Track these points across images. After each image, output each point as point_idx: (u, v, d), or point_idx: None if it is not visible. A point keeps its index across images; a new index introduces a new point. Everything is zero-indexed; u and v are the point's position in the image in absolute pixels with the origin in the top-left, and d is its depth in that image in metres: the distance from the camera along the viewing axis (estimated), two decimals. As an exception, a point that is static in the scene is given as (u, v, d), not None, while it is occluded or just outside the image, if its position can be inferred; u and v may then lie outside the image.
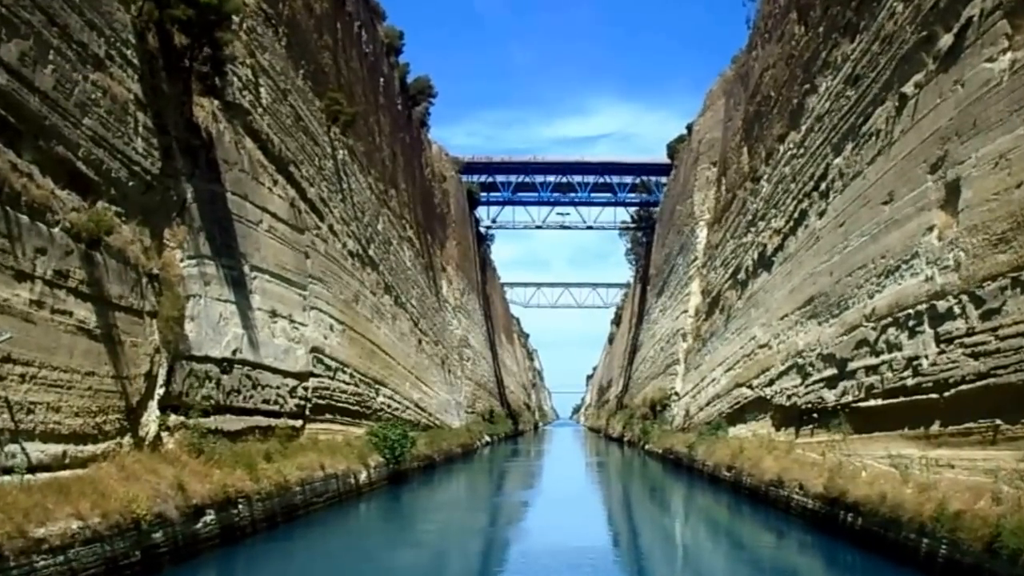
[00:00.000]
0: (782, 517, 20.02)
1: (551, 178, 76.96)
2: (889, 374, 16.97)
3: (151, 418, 14.64)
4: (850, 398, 19.00)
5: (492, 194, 77.78)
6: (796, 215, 27.19)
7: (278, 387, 20.75)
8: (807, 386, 22.47)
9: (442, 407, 46.17)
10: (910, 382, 15.94)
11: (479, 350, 70.31)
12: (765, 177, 32.97)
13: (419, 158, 51.92)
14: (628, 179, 76.91)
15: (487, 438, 60.53)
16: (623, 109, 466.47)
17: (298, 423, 21.97)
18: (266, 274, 21.27)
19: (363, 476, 23.75)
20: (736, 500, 24.51)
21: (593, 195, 77.77)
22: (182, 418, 15.44)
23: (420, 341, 42.38)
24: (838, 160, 23.75)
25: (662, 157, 68.62)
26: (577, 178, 76.99)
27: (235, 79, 21.72)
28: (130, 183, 15.52)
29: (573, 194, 77.42)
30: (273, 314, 21.30)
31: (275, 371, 20.78)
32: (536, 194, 77.40)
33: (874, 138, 21.05)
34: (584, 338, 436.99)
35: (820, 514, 17.44)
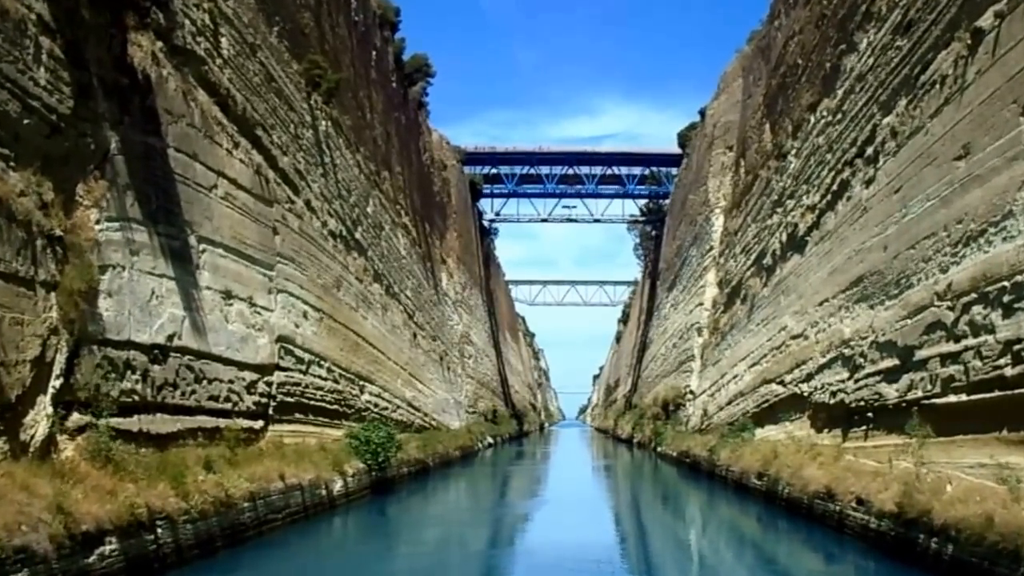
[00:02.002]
0: (832, 536, 16.69)
1: (557, 170, 73.84)
2: (977, 363, 13.63)
3: (39, 417, 11.37)
4: (920, 393, 15.65)
5: (496, 186, 74.59)
6: (835, 187, 23.94)
7: (231, 381, 17.46)
8: (857, 380, 19.12)
9: (439, 407, 42.87)
10: (1010, 372, 12.61)
11: (481, 347, 67.03)
12: (793, 152, 29.81)
13: (416, 142, 48.67)
14: (637, 170, 73.79)
15: (489, 439, 57.25)
16: (629, 109, 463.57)
17: (257, 424, 18.66)
18: (219, 247, 18.01)
19: (338, 486, 20.45)
20: (770, 513, 21.19)
21: (600, 187, 74.62)
22: (89, 417, 12.18)
23: (415, 335, 39.11)
24: (888, 119, 20.49)
25: (672, 147, 65.42)
26: (584, 169, 73.88)
27: (187, 21, 18.50)
28: (25, 121, 12.28)
29: (580, 186, 74.34)
30: (228, 295, 18.03)
31: (228, 362, 17.49)
32: (541, 186, 74.25)
33: (938, 86, 17.77)
34: (590, 338, 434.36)
35: (888, 536, 14.10)
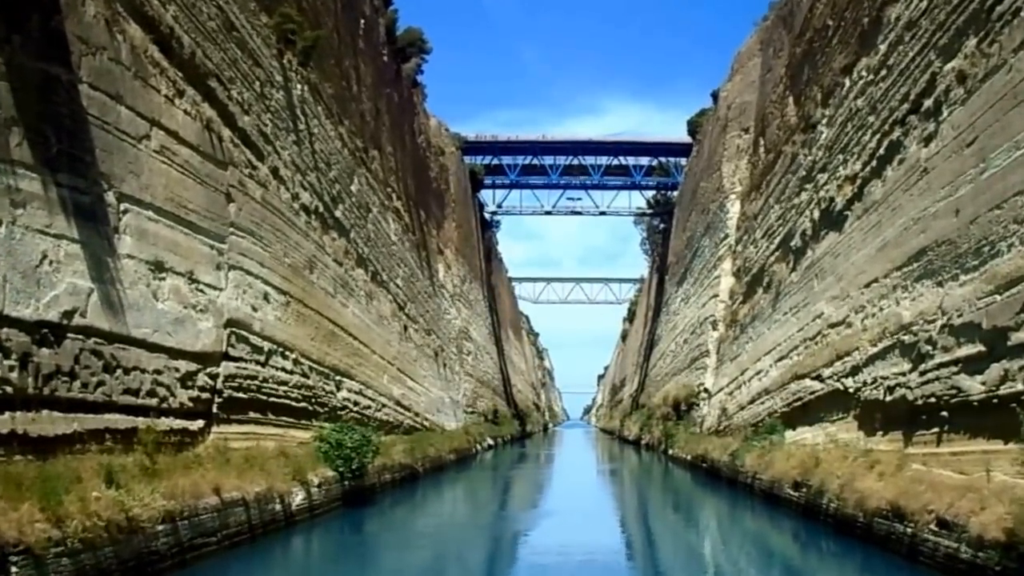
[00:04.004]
0: (902, 566, 13.38)
1: (561, 160, 70.79)
2: (1112, 345, 10.38)
3: None
4: (1020, 386, 12.35)
5: (497, 177, 71.50)
6: (881, 152, 20.72)
7: (158, 372, 14.20)
8: (923, 373, 15.81)
9: (433, 406, 39.59)
10: None
11: (482, 344, 63.76)
12: (824, 122, 26.66)
13: (411, 123, 45.45)
14: (644, 161, 70.77)
15: (489, 441, 54.00)
16: (634, 109, 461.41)
17: (195, 425, 15.38)
18: (149, 209, 14.78)
19: (298, 498, 17.19)
20: (811, 531, 17.88)
21: (606, 179, 71.58)
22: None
23: (406, 328, 35.85)
24: (953, 64, 17.26)
25: (682, 136, 62.30)
26: (589, 160, 70.91)
27: (116, -58, 15.30)
28: None
29: (585, 178, 71.32)
30: (158, 267, 14.79)
31: (155, 348, 14.23)
32: (545, 178, 71.19)
33: (1022, 14, 14.56)
34: (595, 338, 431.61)
35: (992, 572, 10.81)
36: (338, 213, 27.44)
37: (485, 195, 73.21)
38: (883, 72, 21.54)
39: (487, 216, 76.42)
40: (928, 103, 18.27)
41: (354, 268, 28.50)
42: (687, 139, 60.76)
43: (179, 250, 15.64)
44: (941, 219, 16.32)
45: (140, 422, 13.18)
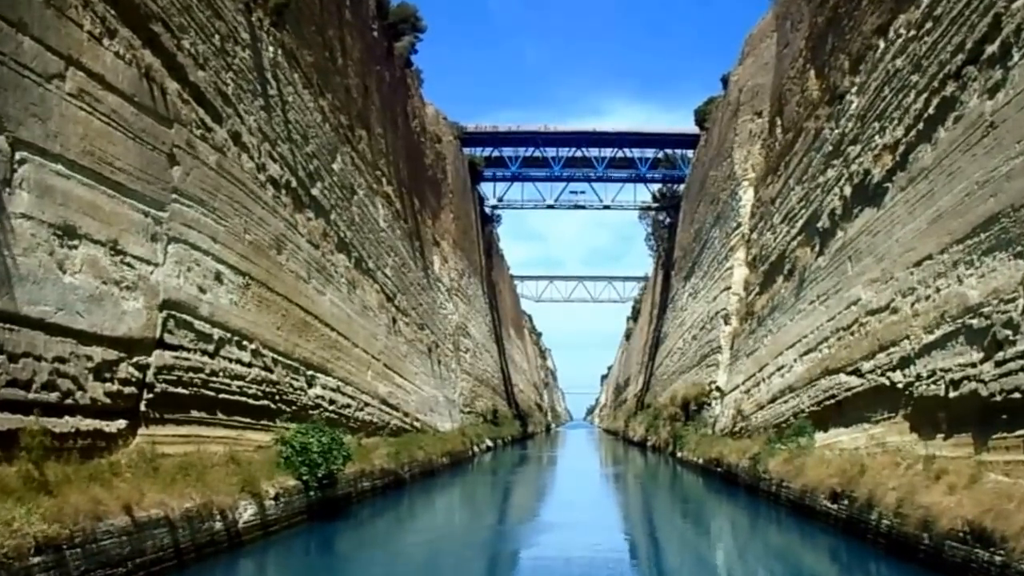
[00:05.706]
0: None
1: (564, 152, 68.22)
2: None
3: None
4: None
5: (498, 170, 68.92)
6: (931, 111, 18.05)
7: (61, 359, 11.43)
8: (1001, 363, 13.07)
9: (425, 405, 36.84)
10: None
11: (481, 341, 61.04)
12: (854, 90, 24.06)
13: (404, 105, 42.78)
14: (650, 153, 68.15)
15: (488, 442, 51.28)
16: (638, 110, 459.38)
17: (114, 426, 12.62)
18: (58, 162, 12.08)
19: (248, 513, 14.43)
20: (856, 553, 15.09)
21: (610, 171, 68.99)
22: None
23: (395, 321, 33.13)
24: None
25: (689, 127, 59.60)
26: (593, 152, 68.31)
27: None
28: None
29: (588, 170, 68.76)
30: (68, 233, 12.07)
31: (58, 330, 11.52)
32: (547, 170, 68.63)
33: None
34: (598, 338, 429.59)
35: None
36: (315, 191, 24.75)
37: (485, 189, 70.73)
38: (928, 25, 18.96)
39: (487, 210, 73.80)
40: (992, 49, 15.63)
41: (334, 253, 25.80)
42: (694, 130, 58.15)
43: (99, 214, 12.93)
44: (1017, 178, 13.62)
45: (29, 422, 10.46)
